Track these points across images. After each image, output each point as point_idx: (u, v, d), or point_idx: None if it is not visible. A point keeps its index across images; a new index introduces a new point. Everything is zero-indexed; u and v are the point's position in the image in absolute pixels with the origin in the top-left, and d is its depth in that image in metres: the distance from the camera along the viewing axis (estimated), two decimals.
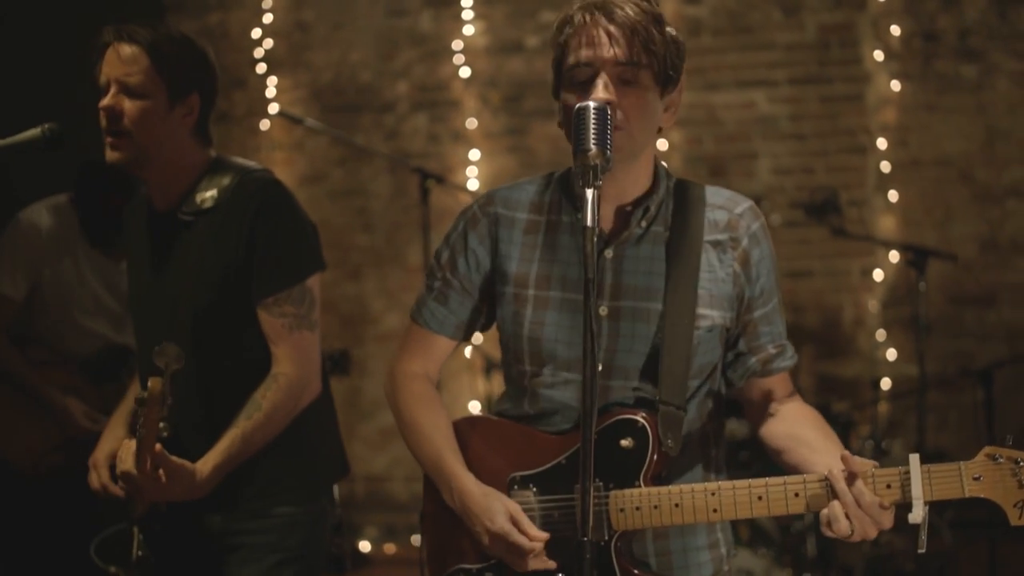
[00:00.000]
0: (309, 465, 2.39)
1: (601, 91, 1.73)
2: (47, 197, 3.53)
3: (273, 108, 5.92)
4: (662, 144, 5.58)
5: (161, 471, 2.10)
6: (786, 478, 1.73)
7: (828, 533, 1.68)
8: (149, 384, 2.00)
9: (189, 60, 2.31)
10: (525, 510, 1.84)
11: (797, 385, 2.04)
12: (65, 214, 3.48)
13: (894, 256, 5.44)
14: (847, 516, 1.66)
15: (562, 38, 1.80)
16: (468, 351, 5.49)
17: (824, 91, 5.57)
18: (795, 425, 1.88)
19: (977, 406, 4.24)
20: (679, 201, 1.90)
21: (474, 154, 5.82)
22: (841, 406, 4.60)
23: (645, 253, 1.87)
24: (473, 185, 5.67)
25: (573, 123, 1.66)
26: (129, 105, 2.25)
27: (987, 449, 1.67)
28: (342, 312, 5.88)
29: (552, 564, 1.81)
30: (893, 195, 5.51)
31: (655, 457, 1.80)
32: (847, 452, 1.69)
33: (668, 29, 1.82)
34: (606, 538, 1.79)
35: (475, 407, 5.53)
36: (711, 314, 1.85)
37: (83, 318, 3.48)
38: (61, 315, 3.46)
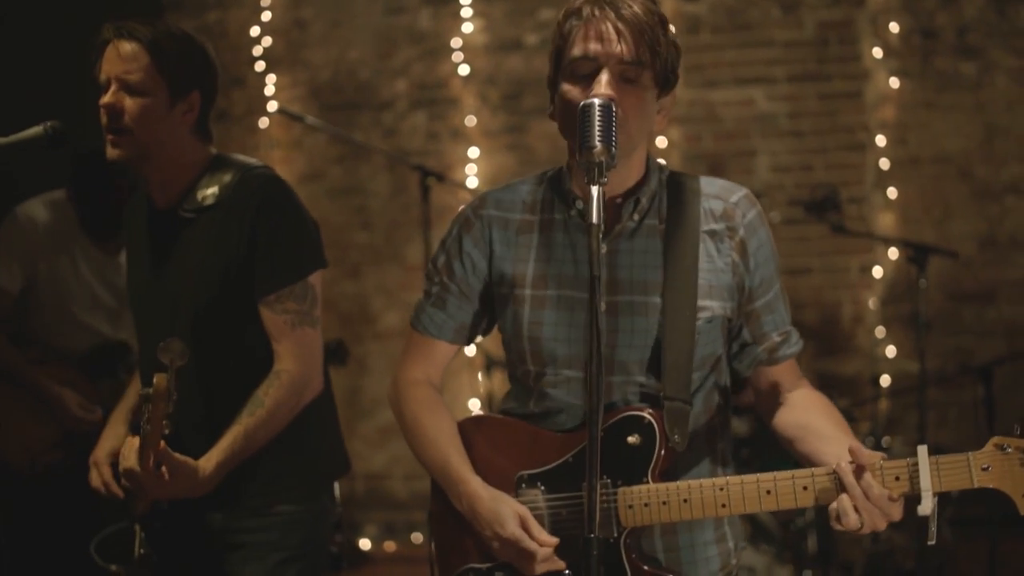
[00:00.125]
0: (310, 463, 2.39)
1: (604, 87, 1.72)
2: (45, 192, 3.53)
3: (272, 106, 5.92)
4: (661, 141, 5.59)
5: (164, 468, 2.09)
6: (794, 472, 1.72)
7: (837, 526, 1.68)
8: (155, 380, 1.99)
9: (189, 57, 2.30)
10: (533, 509, 1.83)
11: None
12: (62, 209, 3.48)
13: (893, 253, 5.44)
14: (856, 509, 1.66)
15: (567, 28, 1.79)
16: (468, 349, 5.49)
17: (823, 88, 5.57)
18: (804, 413, 1.88)
19: (977, 403, 4.24)
20: (673, 193, 1.89)
21: (473, 152, 5.81)
22: (841, 403, 4.59)
23: (640, 247, 1.86)
24: (472, 183, 5.67)
25: (579, 119, 1.65)
26: (130, 103, 2.25)
27: (995, 439, 1.66)
28: (341, 310, 5.88)
29: (561, 564, 1.81)
30: (892, 192, 5.52)
31: (662, 453, 1.79)
32: (855, 444, 1.68)
33: (670, 32, 1.82)
34: (615, 535, 1.79)
35: (475, 405, 5.53)
36: (711, 305, 1.84)
37: (80, 313, 3.48)
38: (58, 310, 3.45)
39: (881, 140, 5.52)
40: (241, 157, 2.40)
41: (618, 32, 1.74)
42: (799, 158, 5.59)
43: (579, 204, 1.88)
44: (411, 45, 5.89)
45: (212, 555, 2.33)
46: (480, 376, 5.39)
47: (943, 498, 1.69)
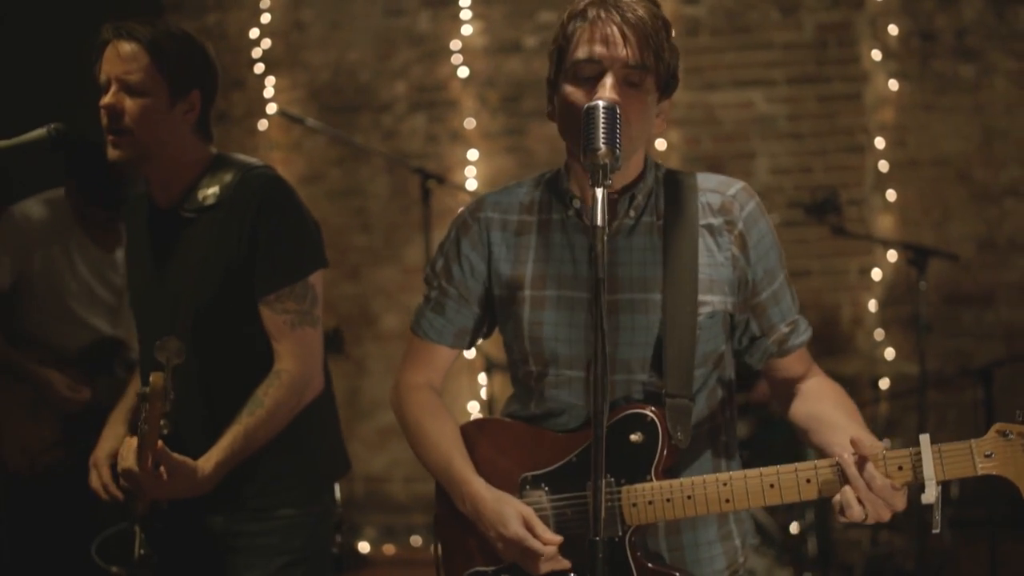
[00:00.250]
0: (311, 463, 2.39)
1: (608, 91, 1.72)
2: (43, 192, 3.52)
3: (271, 108, 5.92)
4: (660, 144, 5.59)
5: (162, 468, 2.09)
6: (797, 465, 1.72)
7: (841, 518, 1.67)
8: (151, 379, 1.99)
9: (189, 57, 2.30)
10: (537, 510, 1.83)
11: None
12: (59, 206, 3.47)
13: (892, 255, 5.45)
14: (859, 501, 1.65)
15: (570, 29, 1.79)
16: (468, 352, 5.48)
17: (822, 90, 5.58)
18: (816, 403, 1.88)
19: (977, 405, 4.24)
20: (670, 189, 1.89)
21: (472, 154, 5.81)
22: None
23: (639, 244, 1.86)
24: (471, 185, 5.67)
25: (583, 121, 1.64)
26: (130, 103, 2.25)
27: (997, 426, 1.65)
28: (340, 312, 5.87)
29: (566, 563, 1.81)
30: (891, 194, 5.52)
31: (665, 450, 1.79)
32: (857, 435, 1.68)
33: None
34: (620, 534, 1.79)
35: (474, 408, 5.52)
36: (712, 300, 1.84)
37: (79, 309, 3.46)
38: (55, 307, 3.44)
39: (880, 142, 5.52)
40: (242, 157, 2.40)
41: (623, 36, 1.74)
42: (798, 160, 5.60)
43: (577, 203, 1.88)
44: (410, 47, 5.89)
45: (213, 558, 2.32)
46: (484, 378, 5.38)
47: (942, 498, 1.68)
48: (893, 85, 5.51)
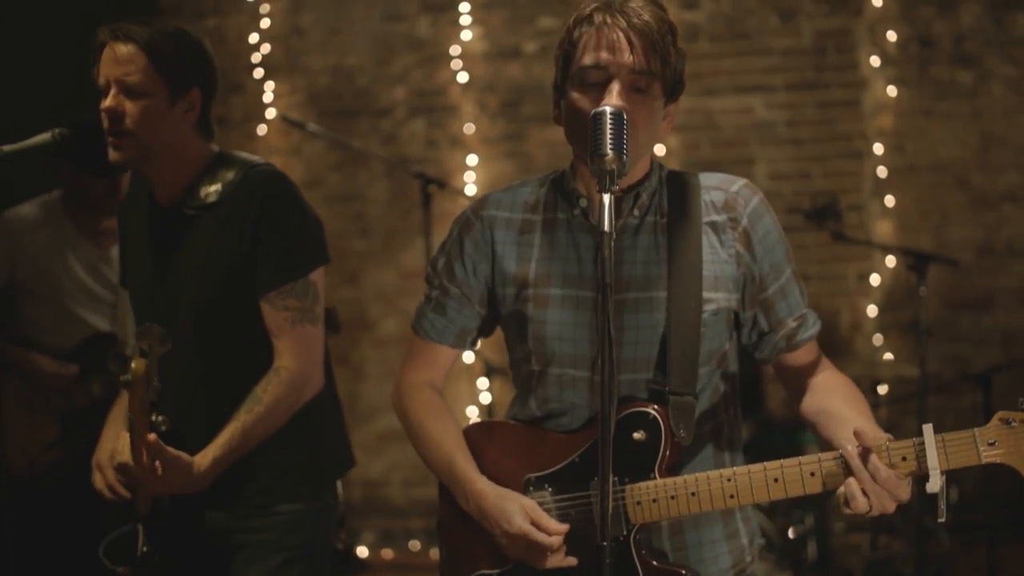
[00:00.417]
0: (313, 461, 2.38)
1: (615, 97, 1.72)
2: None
3: (270, 113, 5.92)
4: (659, 149, 5.59)
5: (157, 463, 2.09)
6: (800, 458, 1.72)
7: (846, 511, 1.66)
8: (133, 365, 1.98)
9: (187, 55, 2.30)
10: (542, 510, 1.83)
11: None
12: (52, 207, 3.47)
13: (891, 261, 5.45)
14: (864, 492, 1.65)
15: (576, 34, 1.78)
16: (467, 356, 5.48)
17: (821, 96, 5.59)
18: (825, 397, 1.88)
19: (976, 409, 4.24)
20: (674, 189, 1.89)
21: (472, 159, 5.81)
22: None
23: (643, 243, 1.86)
24: (471, 190, 5.67)
25: (590, 128, 1.64)
26: (130, 106, 2.25)
27: (1000, 414, 1.65)
28: (339, 316, 5.86)
29: (572, 561, 1.81)
30: (890, 200, 5.52)
31: (668, 448, 1.79)
32: (860, 427, 1.67)
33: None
34: (624, 532, 1.78)
35: (473, 412, 5.51)
36: (716, 297, 1.84)
37: (76, 308, 3.45)
38: (51, 306, 3.42)
39: (879, 148, 5.53)
40: (244, 154, 2.40)
41: (629, 42, 1.74)
42: (797, 166, 5.60)
43: (583, 203, 1.88)
44: (410, 52, 5.90)
45: (216, 555, 2.32)
46: (484, 382, 5.37)
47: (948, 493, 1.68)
48: (892, 91, 5.52)
